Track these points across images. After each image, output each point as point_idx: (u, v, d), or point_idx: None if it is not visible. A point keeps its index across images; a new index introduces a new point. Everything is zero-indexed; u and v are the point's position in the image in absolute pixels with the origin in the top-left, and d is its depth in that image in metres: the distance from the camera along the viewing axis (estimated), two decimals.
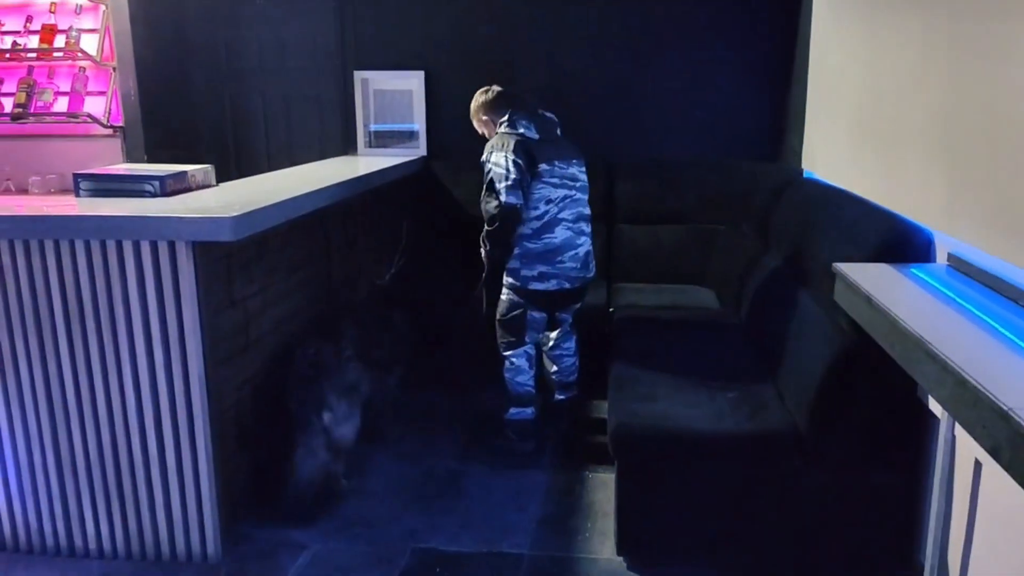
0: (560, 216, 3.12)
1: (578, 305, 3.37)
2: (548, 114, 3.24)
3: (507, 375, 3.29)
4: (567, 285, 3.16)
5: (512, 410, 3.31)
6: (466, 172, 4.40)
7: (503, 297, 3.23)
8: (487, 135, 3.29)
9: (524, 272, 3.14)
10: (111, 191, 2.82)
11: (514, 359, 3.26)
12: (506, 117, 3.16)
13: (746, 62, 4.33)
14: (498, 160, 3.02)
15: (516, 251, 3.13)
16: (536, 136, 3.12)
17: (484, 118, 3.27)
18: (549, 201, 3.09)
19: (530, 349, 3.28)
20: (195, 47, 4.87)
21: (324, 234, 3.43)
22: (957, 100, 2.13)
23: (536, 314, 3.22)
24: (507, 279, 3.20)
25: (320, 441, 2.84)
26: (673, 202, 4.30)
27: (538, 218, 3.09)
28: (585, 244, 3.21)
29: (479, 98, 3.29)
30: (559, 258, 3.12)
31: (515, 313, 3.20)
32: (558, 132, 3.25)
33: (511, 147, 3.01)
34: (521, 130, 3.11)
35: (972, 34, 2.06)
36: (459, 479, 3.11)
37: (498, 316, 3.25)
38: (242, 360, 2.74)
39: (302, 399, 2.83)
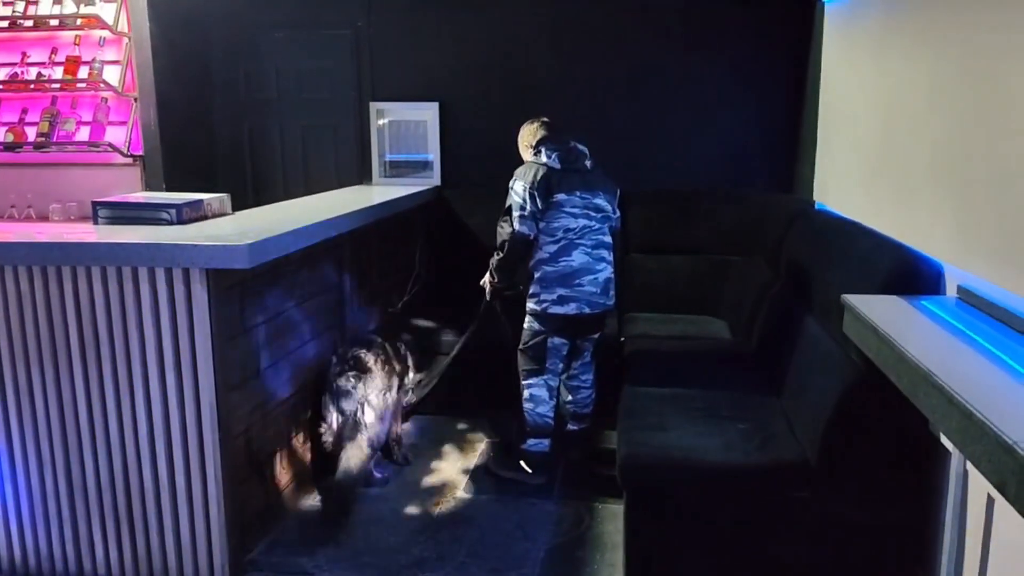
0: (578, 242, 3.17)
1: (597, 335, 3.37)
2: (579, 146, 3.28)
3: (527, 406, 3.26)
4: (587, 309, 3.18)
5: (529, 441, 3.29)
6: (479, 201, 4.45)
7: (524, 325, 3.26)
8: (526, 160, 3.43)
9: (544, 296, 3.17)
10: (128, 218, 2.87)
11: (535, 390, 3.25)
12: (533, 146, 3.31)
13: (759, 95, 4.36)
14: (517, 189, 3.16)
15: (536, 275, 3.19)
16: (559, 166, 3.19)
17: (526, 144, 3.42)
18: (568, 230, 3.16)
19: (551, 380, 3.26)
20: (215, 79, 4.96)
21: (337, 262, 3.46)
22: (967, 133, 2.14)
23: (557, 340, 3.22)
24: (528, 305, 3.24)
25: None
26: (685, 232, 4.31)
27: (555, 242, 3.15)
28: (605, 271, 3.23)
29: (526, 126, 3.45)
30: (577, 281, 3.15)
31: (536, 340, 3.22)
32: (587, 163, 3.28)
33: (531, 178, 3.14)
34: (544, 159, 3.21)
35: (982, 69, 2.07)
36: (468, 508, 3.10)
37: (520, 344, 3.27)
38: (253, 387, 2.76)
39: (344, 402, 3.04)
